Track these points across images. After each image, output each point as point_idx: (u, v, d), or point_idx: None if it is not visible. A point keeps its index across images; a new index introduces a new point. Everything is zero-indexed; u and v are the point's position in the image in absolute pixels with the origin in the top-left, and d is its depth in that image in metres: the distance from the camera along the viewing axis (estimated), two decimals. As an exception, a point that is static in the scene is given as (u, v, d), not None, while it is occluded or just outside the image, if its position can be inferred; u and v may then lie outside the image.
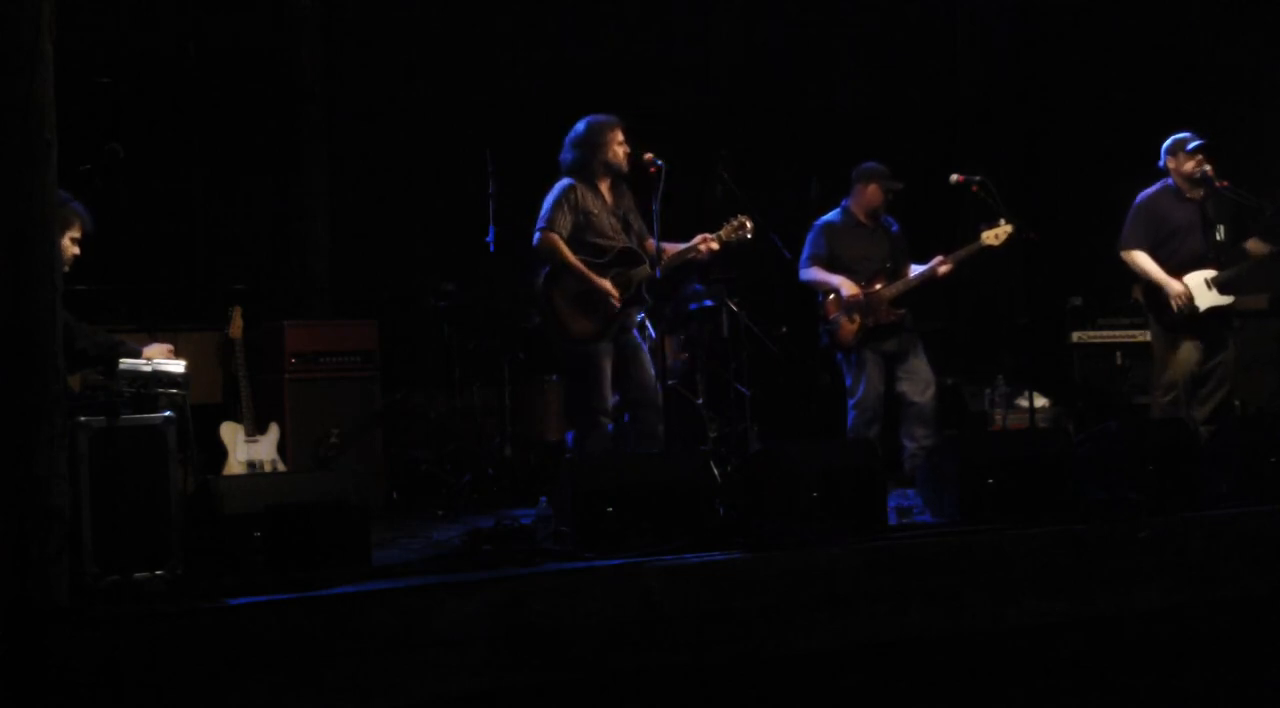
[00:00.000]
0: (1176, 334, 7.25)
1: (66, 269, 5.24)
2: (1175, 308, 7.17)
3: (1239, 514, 5.85)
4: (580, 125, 6.48)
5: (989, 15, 10.43)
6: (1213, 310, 7.17)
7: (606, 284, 6.29)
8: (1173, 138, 7.31)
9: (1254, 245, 7.25)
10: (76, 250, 5.47)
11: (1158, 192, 7.34)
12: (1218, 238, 7.25)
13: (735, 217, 6.47)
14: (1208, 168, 7.22)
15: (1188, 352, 7.22)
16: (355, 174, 8.71)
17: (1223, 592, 5.63)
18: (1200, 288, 7.19)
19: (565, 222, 6.33)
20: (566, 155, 6.49)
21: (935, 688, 4.96)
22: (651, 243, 6.47)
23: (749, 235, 6.46)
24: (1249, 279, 7.43)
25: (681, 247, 6.48)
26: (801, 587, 5.06)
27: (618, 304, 6.29)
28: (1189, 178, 7.24)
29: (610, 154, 6.42)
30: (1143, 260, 7.29)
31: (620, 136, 6.44)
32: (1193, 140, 7.24)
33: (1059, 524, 5.55)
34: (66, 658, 4.08)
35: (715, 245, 6.43)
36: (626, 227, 6.50)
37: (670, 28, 9.56)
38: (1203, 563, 5.64)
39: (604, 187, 6.49)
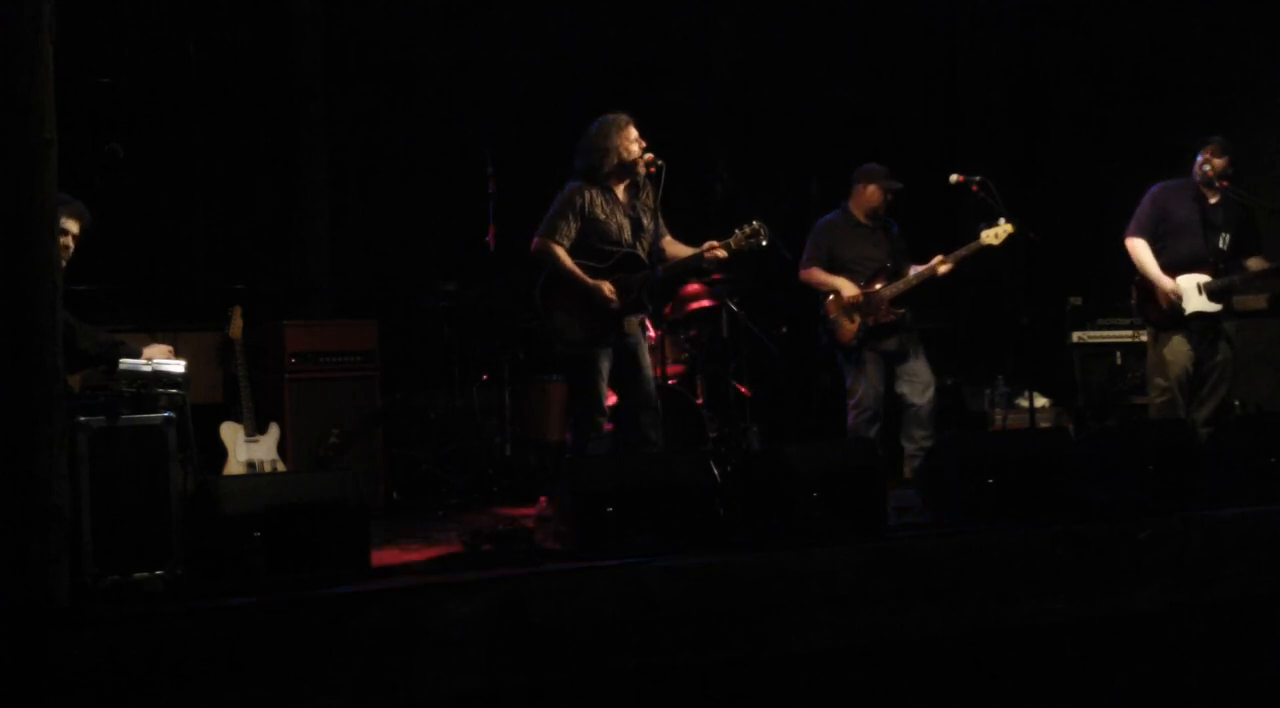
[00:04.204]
0: (1165, 332, 7.26)
1: (65, 261, 5.24)
2: (1162, 305, 7.18)
3: (1239, 514, 5.84)
4: (592, 128, 6.36)
5: (989, 15, 10.44)
6: (1199, 315, 7.18)
7: (604, 287, 6.24)
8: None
9: (1254, 262, 7.27)
10: (71, 244, 5.43)
11: (1172, 185, 7.35)
12: (1221, 244, 7.25)
13: (748, 224, 6.29)
14: (1208, 168, 7.22)
15: (1179, 351, 7.22)
16: (355, 174, 8.72)
17: (1223, 592, 5.62)
18: (1191, 291, 7.20)
19: (567, 229, 6.25)
20: (578, 160, 6.36)
21: (935, 688, 4.96)
22: (667, 240, 6.45)
23: (764, 242, 6.27)
24: (1243, 287, 7.43)
25: (689, 254, 6.44)
26: (801, 587, 5.06)
27: (616, 307, 6.24)
28: (1204, 176, 7.25)
29: (624, 154, 6.29)
30: (1140, 252, 7.29)
31: (633, 133, 6.31)
32: (1212, 138, 7.26)
33: (1059, 524, 5.55)
34: (66, 658, 4.08)
35: (723, 254, 6.30)
36: (638, 227, 6.38)
37: (670, 28, 9.57)
38: (1203, 563, 5.64)
39: (620, 187, 6.38)
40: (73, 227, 5.40)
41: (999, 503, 5.65)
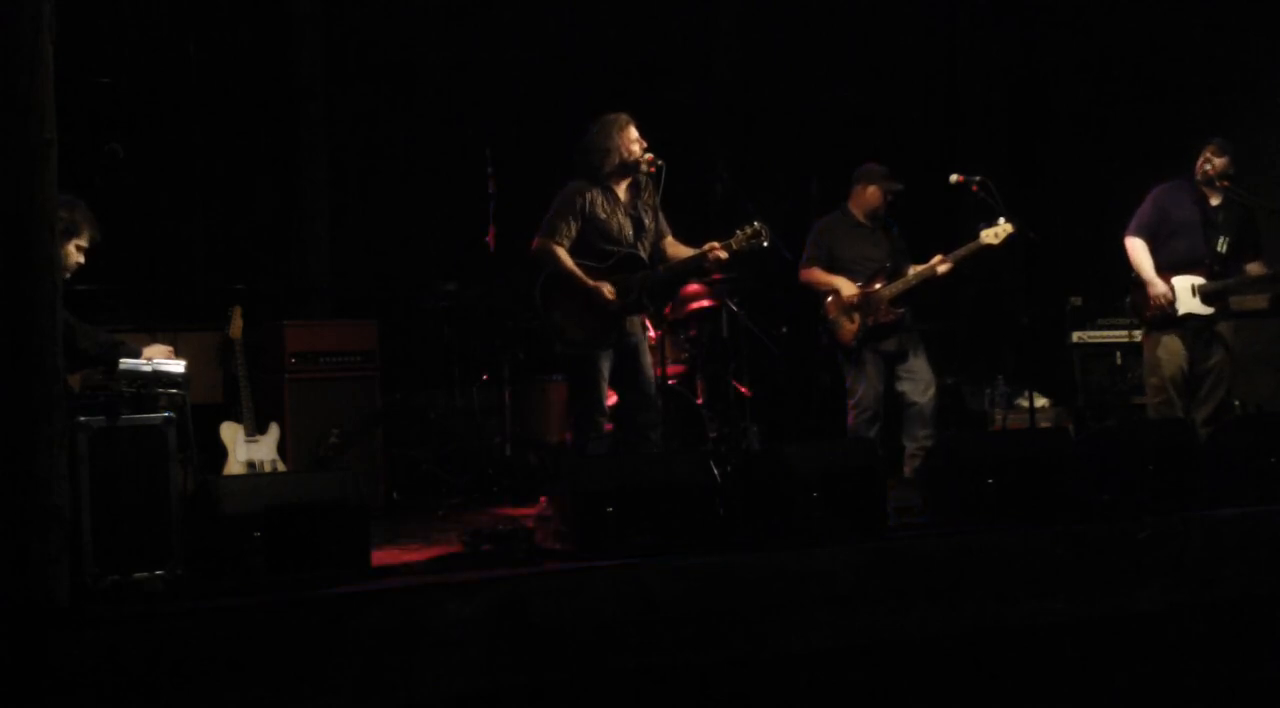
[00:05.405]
0: (1159, 332, 7.25)
1: (68, 275, 5.26)
2: (1151, 306, 7.18)
3: (1239, 514, 5.84)
4: (592, 128, 6.35)
5: (989, 15, 10.44)
6: (1191, 316, 7.18)
7: (603, 287, 6.23)
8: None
9: (1254, 267, 7.26)
10: (81, 259, 5.49)
11: (1173, 184, 7.35)
12: (1219, 247, 7.24)
13: (749, 224, 6.27)
14: (1208, 168, 7.22)
15: (1172, 350, 7.22)
16: (355, 174, 8.72)
17: (1223, 592, 5.63)
18: (1185, 292, 7.19)
19: (567, 229, 6.25)
20: (579, 160, 6.36)
21: (935, 688, 4.96)
22: (668, 241, 6.45)
23: (765, 243, 6.25)
24: (1239, 290, 7.43)
25: (690, 254, 6.43)
26: (801, 587, 5.06)
27: (612, 304, 6.23)
28: (1204, 176, 7.24)
29: (625, 154, 6.28)
30: (1137, 251, 7.29)
31: (633, 133, 6.31)
32: (1212, 138, 7.26)
33: (1059, 524, 5.56)
34: (66, 658, 4.08)
35: (724, 255, 6.28)
36: (639, 227, 6.37)
37: (670, 28, 9.57)
38: (1203, 563, 5.64)
39: (620, 186, 6.38)
40: (85, 241, 5.44)
41: (999, 503, 5.65)
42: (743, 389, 7.57)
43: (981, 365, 9.20)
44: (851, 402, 7.47)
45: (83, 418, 4.59)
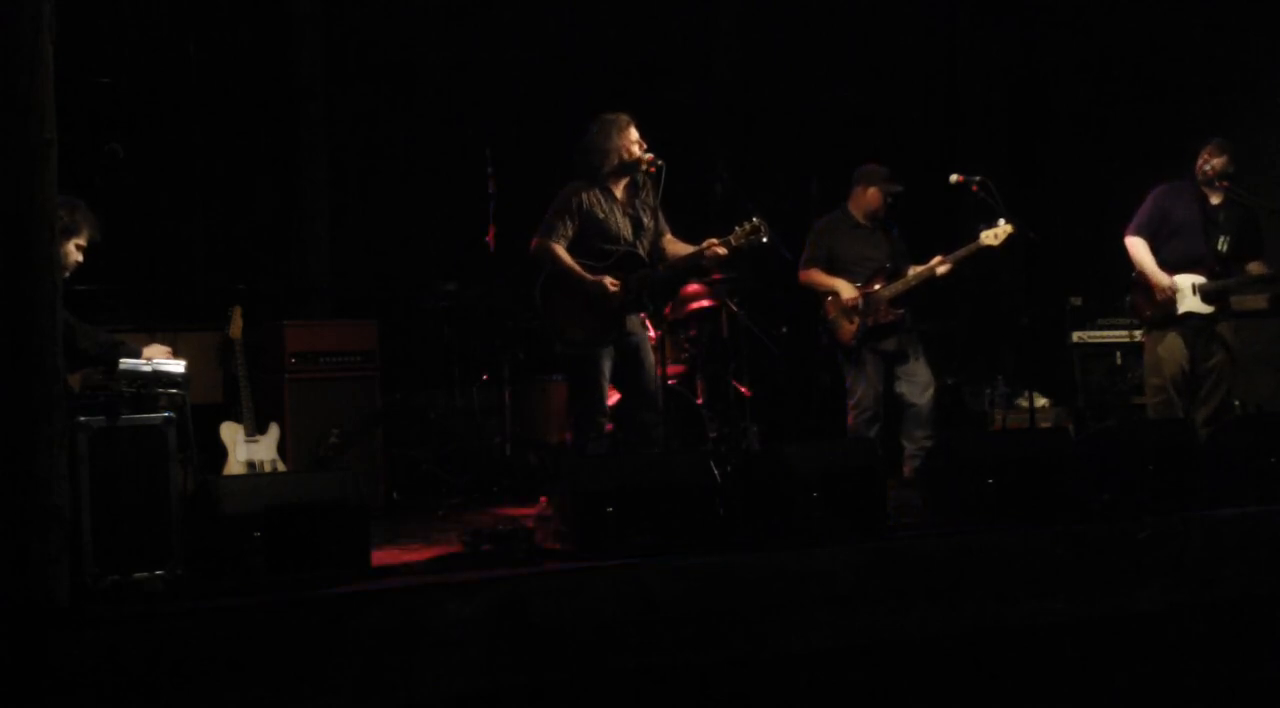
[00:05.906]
0: (1159, 331, 7.25)
1: (67, 274, 5.26)
2: (1157, 300, 7.18)
3: (1239, 514, 5.85)
4: (592, 128, 6.35)
5: (989, 15, 10.45)
6: (1190, 315, 7.18)
7: (605, 280, 6.21)
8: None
9: (1255, 267, 7.27)
10: (80, 257, 5.50)
11: (1175, 185, 7.35)
12: (1220, 246, 7.24)
13: (748, 221, 6.27)
14: (1208, 168, 7.23)
15: (1173, 348, 7.22)
16: (355, 174, 8.72)
17: (1223, 592, 5.63)
18: (1186, 290, 7.19)
19: (565, 229, 6.25)
20: (579, 159, 6.37)
21: (935, 688, 4.96)
22: (667, 239, 6.45)
23: (764, 239, 6.26)
24: (1239, 290, 7.43)
25: (689, 251, 6.43)
26: (801, 587, 5.07)
27: (619, 298, 6.22)
28: (1204, 176, 7.25)
29: (625, 155, 6.29)
30: (1138, 249, 7.29)
31: (633, 134, 6.32)
32: (1212, 138, 7.26)
33: (1059, 524, 5.56)
34: (66, 658, 4.08)
35: (723, 251, 6.28)
36: (638, 226, 6.38)
37: (670, 28, 9.57)
38: (1203, 563, 5.64)
39: (619, 186, 6.39)
40: (84, 240, 5.44)
41: (999, 503, 5.65)
42: (743, 389, 7.57)
43: (981, 365, 9.20)
44: (851, 402, 7.47)
45: (83, 418, 4.59)
